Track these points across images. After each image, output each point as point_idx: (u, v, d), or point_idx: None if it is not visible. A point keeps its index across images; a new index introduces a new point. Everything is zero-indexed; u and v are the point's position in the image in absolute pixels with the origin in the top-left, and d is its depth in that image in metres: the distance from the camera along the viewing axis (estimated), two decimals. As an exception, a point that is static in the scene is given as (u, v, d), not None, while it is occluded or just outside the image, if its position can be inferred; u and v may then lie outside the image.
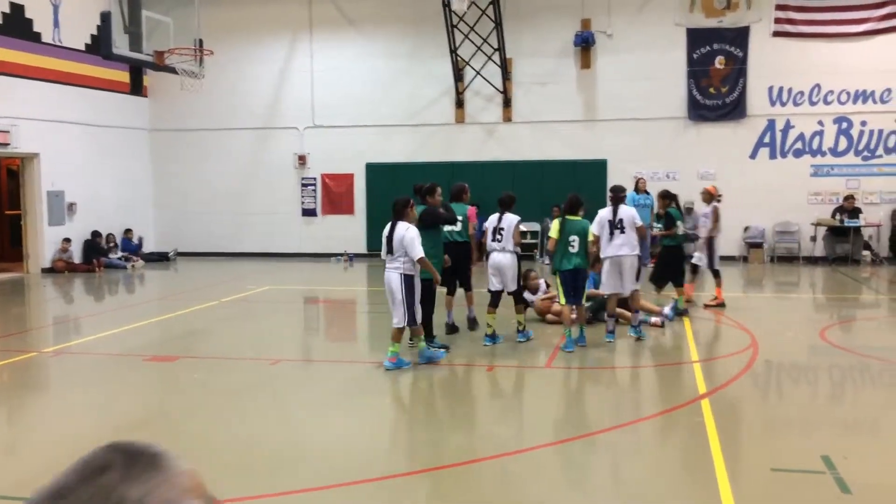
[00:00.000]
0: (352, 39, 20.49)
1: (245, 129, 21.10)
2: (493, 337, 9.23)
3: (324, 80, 20.63)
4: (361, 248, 20.46)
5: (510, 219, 9.39)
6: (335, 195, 20.78)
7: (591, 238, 9.03)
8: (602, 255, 9.47)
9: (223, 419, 6.62)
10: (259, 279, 16.04)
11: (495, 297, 9.30)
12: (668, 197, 11.78)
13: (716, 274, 11.97)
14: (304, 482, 5.12)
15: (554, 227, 9.07)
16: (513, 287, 9.32)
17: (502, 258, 9.27)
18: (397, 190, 20.41)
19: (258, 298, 13.83)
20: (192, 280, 17.35)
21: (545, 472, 5.37)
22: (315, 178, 20.96)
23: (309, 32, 20.72)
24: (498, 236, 9.32)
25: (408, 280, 7.91)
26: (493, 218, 9.55)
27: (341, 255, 19.96)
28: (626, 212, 9.46)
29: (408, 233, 7.90)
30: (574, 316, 9.15)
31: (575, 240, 8.87)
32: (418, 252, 7.79)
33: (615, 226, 9.35)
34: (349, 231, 20.63)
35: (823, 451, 5.45)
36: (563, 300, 9.20)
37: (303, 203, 21.02)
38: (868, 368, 8.31)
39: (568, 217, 9.03)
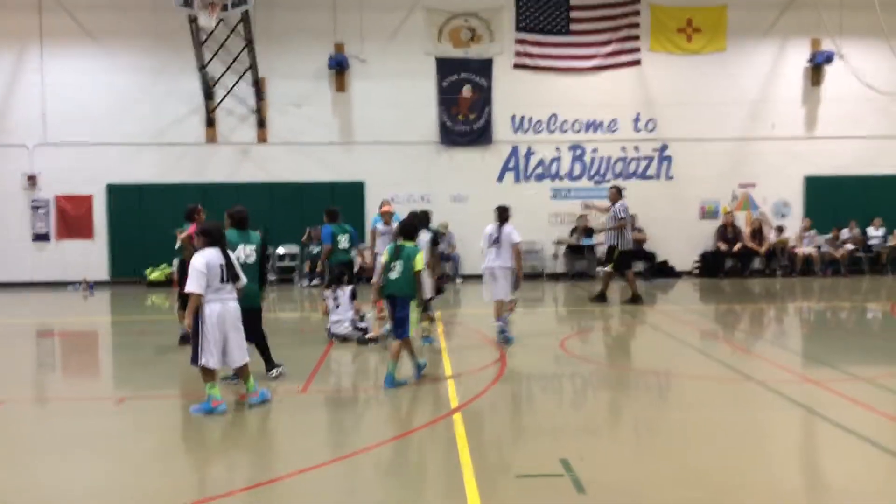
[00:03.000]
0: (89, 52, 19.15)
1: (-37, 146, 18.94)
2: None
3: (57, 94, 19.08)
4: (104, 274, 19.03)
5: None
6: (72, 218, 19.18)
7: (418, 267, 8.23)
8: (483, 266, 10.76)
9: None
10: (-20, 312, 14.32)
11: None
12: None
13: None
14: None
15: (385, 253, 8.57)
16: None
17: None
18: (144, 212, 19.34)
19: (-22, 334, 12.32)
20: None
21: (302, 499, 5.19)
22: (48, 200, 19.23)
23: (39, 43, 19.06)
24: None
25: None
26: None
27: (80, 283, 18.38)
28: (505, 230, 10.57)
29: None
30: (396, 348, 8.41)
31: (397, 265, 8.25)
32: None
33: (493, 241, 10.53)
34: (89, 257, 19.09)
35: (563, 455, 5.78)
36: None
37: (34, 227, 19.15)
38: (601, 374, 8.99)
39: (401, 242, 8.44)
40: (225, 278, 7.25)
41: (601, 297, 14.92)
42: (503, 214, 10.73)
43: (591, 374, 9.03)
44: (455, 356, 9.87)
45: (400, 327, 8.30)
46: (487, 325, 11.95)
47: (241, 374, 7.54)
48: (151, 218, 18.66)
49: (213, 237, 7.33)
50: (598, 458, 5.84)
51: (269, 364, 8.81)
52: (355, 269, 12.95)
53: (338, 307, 10.98)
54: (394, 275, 8.25)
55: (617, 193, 14.83)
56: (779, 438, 6.65)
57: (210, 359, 7.14)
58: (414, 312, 8.36)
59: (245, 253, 8.42)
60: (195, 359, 7.20)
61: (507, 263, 10.57)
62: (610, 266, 14.81)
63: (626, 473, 5.55)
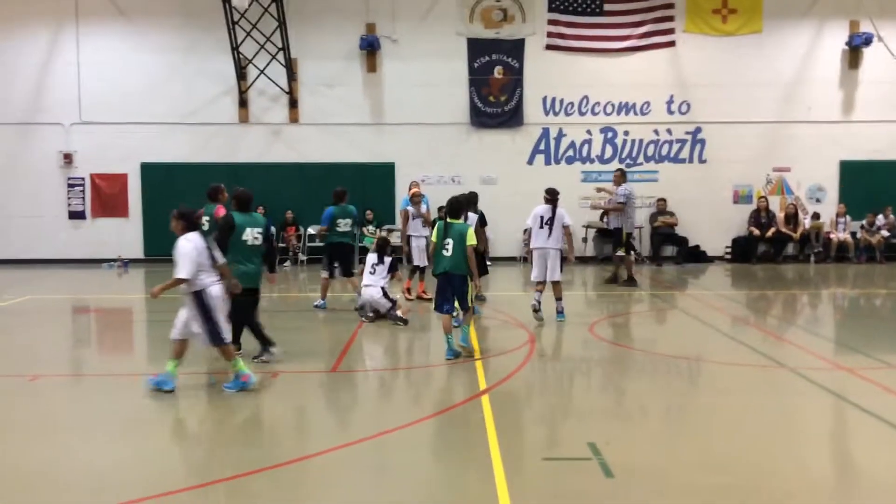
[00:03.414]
0: (123, 31, 19.32)
1: (1, 125, 19.22)
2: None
3: (92, 74, 19.28)
4: (138, 252, 19.29)
5: None
6: (106, 196, 19.44)
7: (470, 242, 8.57)
8: (532, 247, 11.04)
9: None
10: (18, 288, 14.63)
11: None
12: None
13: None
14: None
15: (433, 231, 8.94)
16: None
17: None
18: (176, 192, 19.53)
19: (16, 310, 12.59)
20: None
21: (332, 477, 5.27)
22: (83, 179, 19.50)
23: (75, 22, 19.27)
24: None
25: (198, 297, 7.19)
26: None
27: (115, 260, 18.66)
28: (559, 212, 10.87)
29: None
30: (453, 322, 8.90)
31: (450, 243, 8.57)
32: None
33: (546, 222, 10.80)
34: (123, 235, 19.37)
35: (590, 439, 5.79)
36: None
37: (69, 205, 19.46)
38: (630, 359, 8.97)
39: (449, 220, 8.78)
40: (212, 259, 7.31)
41: (630, 281, 14.88)
42: (555, 196, 11.06)
43: (619, 358, 9.02)
44: (484, 338, 9.90)
45: (463, 299, 8.75)
46: (516, 306, 11.98)
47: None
48: (184, 197, 18.52)
49: (190, 221, 7.30)
50: (626, 443, 5.85)
51: (265, 346, 8.62)
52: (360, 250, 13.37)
53: (372, 273, 11.07)
54: (447, 252, 8.56)
55: (621, 176, 14.91)
56: (809, 426, 6.61)
57: (227, 335, 7.36)
58: (471, 287, 8.73)
59: (253, 235, 8.49)
60: (215, 340, 7.23)
61: (559, 244, 10.90)
62: (622, 249, 14.87)
63: (654, 458, 5.56)
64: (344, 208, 12.13)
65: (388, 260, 11.17)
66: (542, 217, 10.95)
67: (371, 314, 11.01)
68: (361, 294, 11.19)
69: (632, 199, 15.00)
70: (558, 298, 11.00)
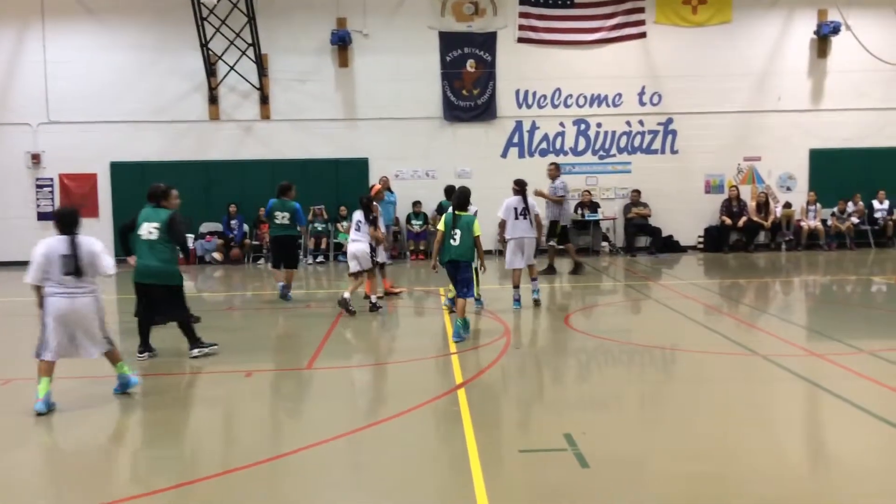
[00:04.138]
0: (90, 29, 19.08)
1: (-34, 125, 18.94)
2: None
3: (59, 73, 19.02)
4: (110, 253, 19.02)
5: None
6: (76, 197, 19.18)
7: (477, 233, 9.36)
8: (509, 237, 11.43)
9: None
10: (-14, 291, 14.39)
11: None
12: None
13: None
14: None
15: (441, 221, 9.60)
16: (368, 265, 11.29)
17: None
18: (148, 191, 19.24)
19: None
20: None
21: (308, 475, 5.23)
22: (52, 179, 19.24)
23: (41, 21, 18.97)
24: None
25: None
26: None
27: (86, 261, 18.41)
28: (531, 202, 11.54)
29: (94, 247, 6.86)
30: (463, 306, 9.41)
31: (457, 233, 9.29)
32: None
33: (521, 213, 11.37)
34: (94, 235, 18.94)
35: (566, 430, 5.80)
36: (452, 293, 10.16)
37: (38, 206, 19.20)
38: (605, 349, 9.00)
39: (457, 212, 9.44)
40: (69, 270, 6.72)
41: (578, 268, 15.47)
42: (523, 186, 11.66)
43: (594, 348, 9.05)
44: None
45: (465, 287, 9.41)
46: (492, 299, 11.99)
47: (111, 360, 7.14)
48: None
49: (62, 223, 6.91)
50: (602, 433, 5.86)
51: (193, 343, 8.61)
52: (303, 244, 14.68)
53: (358, 230, 11.47)
54: (455, 241, 9.28)
55: (556, 169, 15.12)
56: (783, 412, 6.67)
57: (47, 353, 6.72)
58: (476, 274, 9.47)
59: (148, 230, 8.45)
60: (36, 351, 6.77)
61: (535, 233, 11.60)
62: (555, 240, 15.20)
63: (630, 447, 5.58)
64: (283, 202, 12.54)
65: (373, 218, 11.57)
66: (516, 208, 11.48)
67: (355, 271, 11.38)
68: (348, 251, 11.57)
69: (567, 193, 15.27)
70: (534, 278, 11.69)
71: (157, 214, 8.49)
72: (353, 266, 11.38)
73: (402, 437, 5.96)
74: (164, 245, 8.48)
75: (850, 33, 19.03)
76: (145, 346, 8.70)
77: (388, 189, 17.72)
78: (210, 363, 8.56)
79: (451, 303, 10.56)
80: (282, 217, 12.53)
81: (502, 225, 11.62)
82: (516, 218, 11.45)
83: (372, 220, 11.46)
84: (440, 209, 14.84)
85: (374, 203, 11.94)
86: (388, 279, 13.21)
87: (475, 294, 10.68)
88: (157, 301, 8.57)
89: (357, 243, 11.34)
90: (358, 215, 11.53)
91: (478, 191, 18.30)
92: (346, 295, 11.15)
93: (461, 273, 9.36)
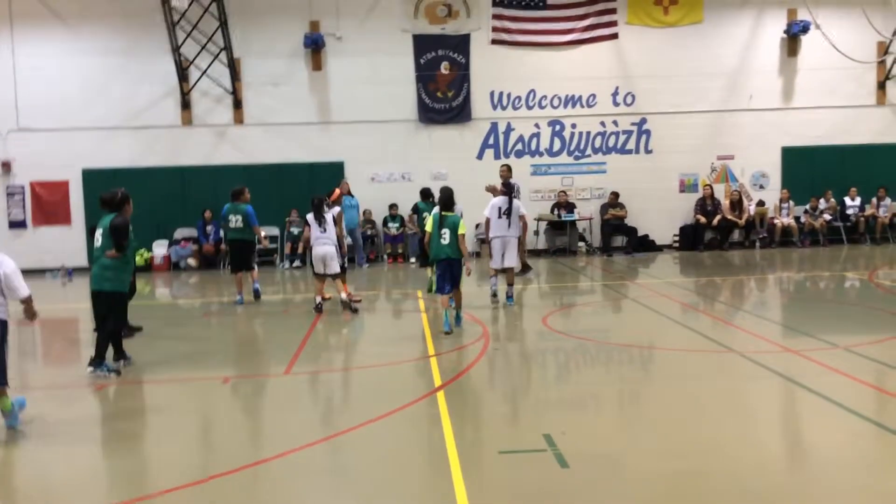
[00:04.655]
0: (60, 35, 18.85)
1: (-67, 133, 18.63)
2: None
3: (29, 80, 18.79)
4: (82, 261, 18.77)
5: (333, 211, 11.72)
6: (48, 204, 18.97)
7: (462, 231, 9.81)
8: (491, 236, 11.69)
9: None
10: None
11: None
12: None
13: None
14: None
15: (429, 221, 10.02)
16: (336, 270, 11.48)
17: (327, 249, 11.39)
18: (120, 197, 18.99)
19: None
20: None
21: (287, 480, 5.19)
22: (23, 187, 18.99)
23: (9, 27, 18.72)
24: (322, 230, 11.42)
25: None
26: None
27: (58, 269, 18.19)
28: (515, 203, 11.71)
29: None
30: (449, 301, 9.97)
31: (446, 233, 9.76)
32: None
33: (504, 213, 11.57)
34: (66, 243, 18.90)
35: (545, 430, 5.80)
36: (433, 288, 10.76)
37: (9, 214, 18.95)
38: (584, 349, 9.03)
39: (443, 213, 9.87)
40: None
41: (525, 269, 15.24)
42: (511, 188, 11.90)
43: (573, 349, 9.07)
44: (438, 334, 9.87)
45: (457, 281, 9.97)
46: (471, 301, 11.98)
47: None
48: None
49: None
50: (581, 433, 5.87)
51: (98, 359, 8.13)
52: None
53: (324, 231, 11.53)
54: (445, 241, 9.75)
55: (508, 171, 14.83)
56: (760, 408, 6.72)
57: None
58: (464, 271, 9.92)
59: (97, 236, 8.37)
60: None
61: (517, 233, 11.73)
62: None
63: (609, 447, 5.59)
64: (235, 206, 12.78)
65: (329, 215, 11.63)
66: (500, 208, 11.66)
67: (321, 272, 11.56)
68: (314, 253, 11.61)
69: (519, 194, 15.06)
70: (510, 284, 11.78)
71: (102, 221, 8.35)
72: (319, 268, 11.54)
73: (382, 441, 5.93)
74: (105, 245, 8.27)
75: (819, 32, 19.25)
76: (119, 354, 8.55)
77: (349, 193, 17.74)
78: (186, 369, 8.48)
79: (449, 326, 10.10)
80: (235, 221, 12.75)
81: (487, 223, 11.88)
82: (499, 217, 11.66)
83: (322, 220, 11.56)
84: (416, 210, 14.83)
85: (329, 205, 12.00)
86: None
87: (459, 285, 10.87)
88: (99, 306, 8.43)
89: (324, 245, 11.46)
90: (309, 217, 11.64)
91: (455, 193, 18.52)
92: (318, 299, 11.44)
93: (455, 270, 9.88)
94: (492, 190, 13.24)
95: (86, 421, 6.83)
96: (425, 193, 13.35)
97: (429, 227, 9.98)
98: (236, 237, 12.91)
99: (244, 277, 12.98)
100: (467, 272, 10.11)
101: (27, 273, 19.51)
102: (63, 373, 9.04)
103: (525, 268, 15.31)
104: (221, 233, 18.97)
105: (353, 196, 18.30)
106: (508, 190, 11.86)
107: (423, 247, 11.74)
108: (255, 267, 13.32)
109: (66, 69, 18.84)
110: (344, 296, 11.62)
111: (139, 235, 16.21)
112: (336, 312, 11.63)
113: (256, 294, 12.93)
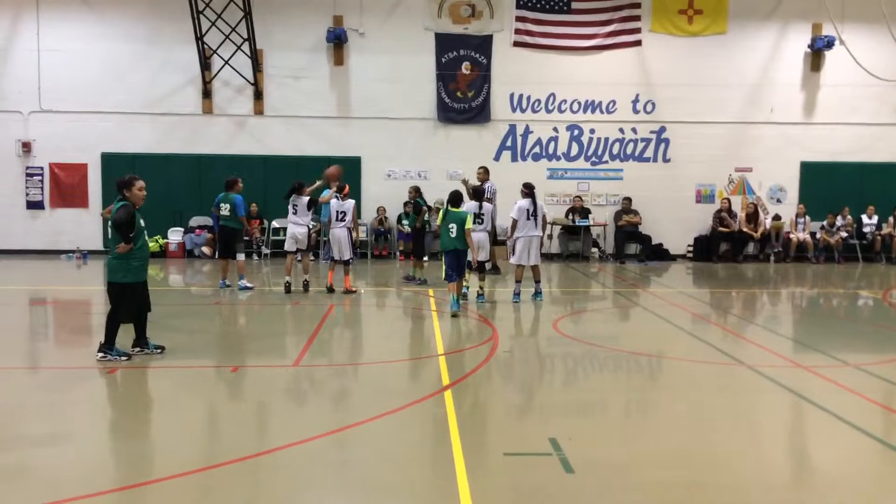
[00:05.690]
0: (85, 19, 19.00)
1: (-44, 111, 18.81)
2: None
3: (53, 62, 18.93)
4: (97, 244, 18.95)
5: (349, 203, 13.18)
6: (66, 187, 19.11)
7: (468, 226, 11.00)
8: (518, 235, 12.29)
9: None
10: (-28, 279, 14.27)
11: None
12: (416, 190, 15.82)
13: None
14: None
15: (439, 216, 11.25)
16: (347, 256, 13.14)
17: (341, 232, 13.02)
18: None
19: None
20: None
21: (292, 472, 5.21)
22: (42, 168, 19.12)
23: (35, 9, 18.87)
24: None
25: None
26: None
27: (73, 251, 18.33)
28: (540, 204, 12.43)
29: None
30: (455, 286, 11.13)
31: (453, 227, 10.91)
32: None
33: (531, 214, 12.22)
34: (83, 226, 19.04)
35: (552, 434, 5.81)
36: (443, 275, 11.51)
37: (28, 195, 19.09)
38: (594, 355, 9.02)
39: (450, 209, 11.04)
40: None
41: (494, 269, 15.65)
42: (532, 189, 12.49)
43: (582, 354, 9.06)
44: (447, 333, 9.89)
45: (463, 269, 11.28)
46: (481, 302, 11.99)
47: None
48: (145, 189, 18.53)
49: None
50: (587, 439, 5.87)
51: (108, 344, 8.22)
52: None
53: (296, 213, 13.04)
54: (453, 234, 10.94)
55: (485, 173, 14.97)
56: (767, 422, 6.69)
57: None
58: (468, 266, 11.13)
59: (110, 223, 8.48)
60: None
61: (541, 232, 12.44)
62: None
63: (615, 454, 5.59)
64: (226, 195, 13.38)
65: (304, 199, 12.99)
66: (527, 210, 12.29)
67: (296, 252, 13.18)
68: (287, 232, 13.24)
69: (495, 196, 15.03)
70: (537, 281, 12.55)
71: (113, 211, 8.34)
72: (290, 245, 13.05)
73: (387, 437, 5.95)
74: (114, 239, 8.29)
75: (843, 48, 19.13)
76: (139, 342, 8.52)
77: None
78: (196, 357, 8.53)
79: (457, 306, 11.00)
80: (224, 209, 13.38)
81: (513, 225, 12.38)
82: (528, 219, 12.27)
83: (309, 203, 12.97)
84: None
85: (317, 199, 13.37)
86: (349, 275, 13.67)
87: (467, 287, 12.29)
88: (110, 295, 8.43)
89: (296, 226, 13.03)
90: (294, 199, 13.01)
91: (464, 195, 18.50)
92: (287, 278, 12.90)
93: (461, 259, 11.10)
94: (465, 185, 13.48)
95: (90, 403, 6.88)
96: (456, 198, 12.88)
97: (438, 221, 11.18)
98: (223, 224, 13.61)
99: (228, 266, 13.69)
100: (474, 264, 11.32)
101: (42, 253, 19.76)
102: (71, 354, 9.11)
103: (494, 268, 15.63)
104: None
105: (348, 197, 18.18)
106: (478, 195, 12.51)
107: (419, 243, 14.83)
108: (242, 257, 13.89)
109: (90, 53, 18.97)
110: (307, 277, 13.26)
111: (155, 222, 16.34)
112: (347, 304, 11.65)
113: (305, 286, 13.31)
